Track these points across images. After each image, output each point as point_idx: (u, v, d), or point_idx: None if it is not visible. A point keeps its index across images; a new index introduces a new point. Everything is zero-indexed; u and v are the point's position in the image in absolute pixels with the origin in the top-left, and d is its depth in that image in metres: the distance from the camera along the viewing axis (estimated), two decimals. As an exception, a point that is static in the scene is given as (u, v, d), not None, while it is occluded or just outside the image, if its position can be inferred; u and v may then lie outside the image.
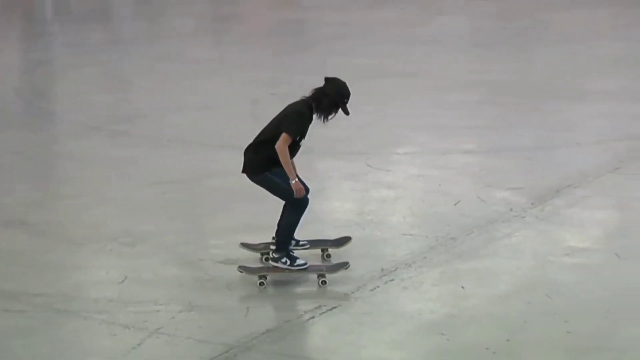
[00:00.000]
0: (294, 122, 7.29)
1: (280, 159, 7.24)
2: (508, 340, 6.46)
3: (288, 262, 7.43)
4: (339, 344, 6.51)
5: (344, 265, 7.41)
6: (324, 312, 6.89)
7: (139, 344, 6.48)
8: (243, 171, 7.51)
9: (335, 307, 6.97)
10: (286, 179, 7.30)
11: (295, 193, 7.28)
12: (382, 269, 7.55)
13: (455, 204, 8.95)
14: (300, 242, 7.71)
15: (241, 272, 7.39)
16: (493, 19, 17.79)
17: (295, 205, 7.41)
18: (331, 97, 7.34)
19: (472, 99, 12.64)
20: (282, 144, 7.23)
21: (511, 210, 8.75)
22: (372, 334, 6.62)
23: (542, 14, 17.92)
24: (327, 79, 7.46)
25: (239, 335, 6.55)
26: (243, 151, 7.52)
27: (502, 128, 11.45)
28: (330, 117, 7.39)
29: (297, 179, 7.28)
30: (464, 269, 7.54)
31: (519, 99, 12.59)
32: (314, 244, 7.83)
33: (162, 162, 10.34)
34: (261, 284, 7.33)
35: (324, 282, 7.30)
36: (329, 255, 7.79)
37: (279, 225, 7.53)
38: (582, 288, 7.24)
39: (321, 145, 11.05)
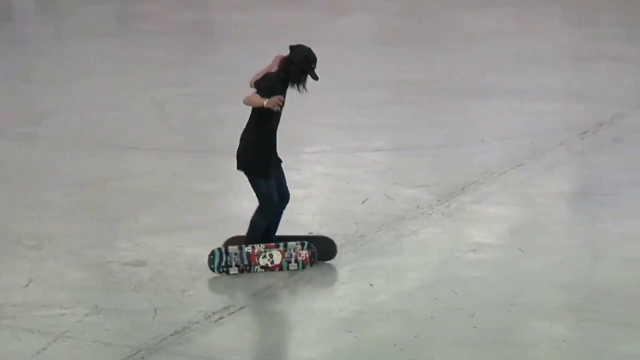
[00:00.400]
0: (264, 82, 7.28)
1: (248, 100, 7.23)
2: (416, 336, 6.53)
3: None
4: (247, 344, 6.51)
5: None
6: (233, 312, 6.88)
7: (44, 349, 6.39)
8: (240, 168, 7.47)
9: (244, 307, 6.96)
10: (273, 188, 7.34)
11: (272, 105, 7.13)
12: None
13: (363, 202, 9.01)
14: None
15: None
16: (399, 17, 17.93)
17: (263, 209, 7.43)
18: (297, 64, 7.33)
19: (380, 98, 12.73)
20: (247, 96, 7.21)
21: (418, 207, 8.85)
22: (281, 333, 6.64)
23: (448, 12, 18.12)
24: (291, 47, 7.43)
25: (146, 338, 6.50)
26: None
27: (409, 126, 11.56)
28: (301, 84, 7.36)
29: (267, 100, 7.12)
30: (373, 266, 7.60)
31: (425, 98, 12.72)
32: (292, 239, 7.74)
33: (68, 163, 10.20)
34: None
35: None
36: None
37: (249, 224, 7.51)
38: (487, 283, 7.36)
39: (229, 145, 11.03)
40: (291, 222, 8.55)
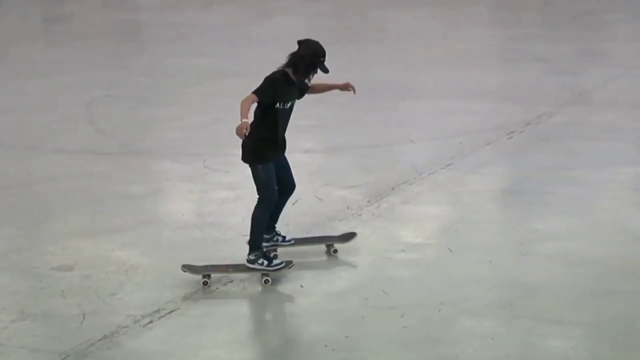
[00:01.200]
0: (261, 85, 7.28)
1: (240, 105, 7.17)
2: (347, 336, 6.54)
3: (265, 263, 7.37)
4: (177, 347, 6.46)
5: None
6: (163, 316, 6.83)
7: (-31, 356, 6.28)
8: (243, 160, 7.48)
9: (174, 310, 6.91)
10: (271, 175, 7.34)
11: (236, 130, 7.13)
12: (221, 270, 7.53)
13: (293, 204, 8.98)
14: (287, 239, 7.73)
15: (185, 271, 7.28)
16: (327, 18, 17.98)
17: (262, 200, 7.38)
18: (307, 59, 7.37)
19: (308, 98, 12.71)
20: (245, 99, 7.20)
21: (348, 208, 8.87)
22: (212, 335, 6.60)
23: (375, 12, 18.22)
24: (300, 42, 7.47)
25: (74, 343, 6.42)
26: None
27: (339, 127, 11.59)
28: (309, 76, 7.41)
29: (245, 121, 7.11)
30: (303, 267, 7.59)
31: (354, 98, 12.67)
32: (318, 240, 7.86)
33: (-7, 167, 10.06)
34: (205, 283, 7.25)
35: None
36: (335, 251, 7.77)
37: (251, 221, 7.45)
38: (417, 282, 7.40)
39: (158, 146, 10.96)
40: (221, 225, 8.53)
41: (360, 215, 8.70)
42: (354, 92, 7.86)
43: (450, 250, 7.93)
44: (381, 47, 15.71)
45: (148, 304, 7.01)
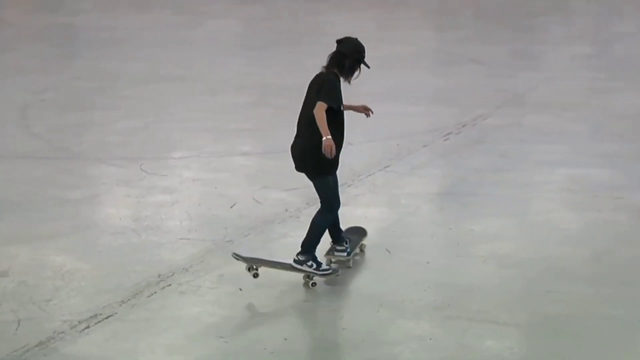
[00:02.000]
0: (328, 91, 7.24)
1: (317, 119, 7.12)
2: (285, 339, 6.53)
3: (314, 266, 7.36)
4: (115, 352, 6.40)
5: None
6: (99, 321, 6.76)
7: None
8: (305, 171, 7.42)
9: (111, 316, 6.85)
10: (337, 183, 7.36)
11: (324, 149, 7.07)
12: (159, 275, 7.49)
13: (231, 207, 8.98)
14: (323, 268, 7.42)
15: (236, 258, 7.35)
16: (262, 21, 17.97)
17: (327, 208, 7.37)
18: (351, 56, 7.35)
19: (246, 101, 12.73)
20: (319, 110, 7.13)
21: (287, 210, 8.87)
22: (150, 340, 6.55)
23: (310, 16, 18.25)
24: (339, 41, 7.45)
25: (9, 350, 6.33)
26: (291, 147, 7.46)
27: (276, 129, 11.57)
28: (354, 77, 7.40)
29: (329, 137, 7.09)
30: (242, 270, 7.56)
31: (291, 101, 12.70)
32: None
33: None
34: (255, 275, 7.32)
35: (313, 284, 7.34)
36: (313, 284, 7.38)
37: (310, 226, 7.41)
38: (356, 284, 7.42)
39: (94, 151, 10.86)
40: (158, 229, 8.48)
41: (298, 217, 8.70)
42: (371, 114, 7.83)
43: (388, 251, 7.96)
44: (317, 50, 15.71)
45: (85, 309, 6.94)
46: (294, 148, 7.52)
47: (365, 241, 7.99)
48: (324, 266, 7.43)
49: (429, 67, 14.76)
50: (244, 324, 6.82)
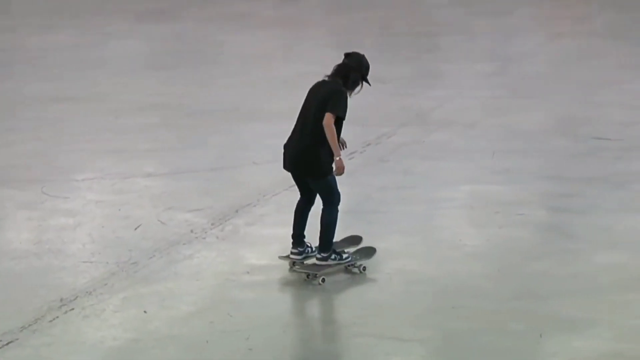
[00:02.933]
0: (338, 101, 7.42)
1: (328, 135, 7.35)
2: (191, 361, 6.48)
3: (337, 258, 7.68)
4: (16, 380, 6.26)
5: (372, 249, 7.91)
6: (0, 347, 6.60)
7: None
8: (303, 173, 7.65)
9: (11, 342, 6.69)
10: (335, 180, 7.56)
11: (337, 171, 7.44)
12: (62, 299, 7.35)
13: (136, 229, 8.88)
14: (345, 257, 7.79)
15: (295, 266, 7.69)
16: (167, 42, 17.86)
17: (331, 205, 7.60)
18: (356, 70, 7.56)
19: (150, 122, 12.62)
20: (330, 122, 7.34)
21: (192, 231, 8.80)
22: (52, 366, 6.42)
23: (217, 35, 18.21)
24: (347, 54, 7.66)
25: None
26: (286, 146, 7.69)
27: (181, 150, 11.50)
28: (356, 91, 7.58)
29: (340, 157, 7.42)
30: (146, 292, 7.49)
31: (196, 121, 12.71)
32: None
33: None
34: (323, 280, 7.57)
35: (364, 268, 7.76)
36: (364, 268, 7.81)
37: (321, 226, 7.65)
38: (262, 304, 7.38)
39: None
40: (60, 252, 8.33)
41: (204, 238, 8.64)
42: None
43: (295, 271, 7.94)
44: (223, 69, 15.69)
45: (-17, 336, 6.78)
46: (290, 147, 7.72)
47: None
48: (344, 256, 7.76)
49: (334, 86, 14.82)
50: (149, 347, 6.73)
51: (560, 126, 11.95)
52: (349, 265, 7.82)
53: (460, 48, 17.29)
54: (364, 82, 7.65)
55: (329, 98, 7.46)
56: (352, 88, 7.61)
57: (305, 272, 7.76)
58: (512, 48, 16.79)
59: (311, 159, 7.54)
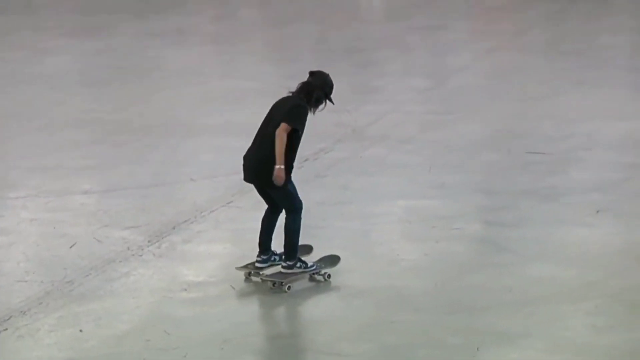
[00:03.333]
0: (297, 114, 7.65)
1: (277, 144, 7.53)
2: (128, 380, 6.43)
3: (303, 266, 7.85)
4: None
5: (336, 257, 8.09)
6: None
7: None
8: (263, 182, 7.78)
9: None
10: (294, 187, 7.75)
11: (275, 179, 7.57)
12: (-5, 319, 7.27)
13: (71, 247, 8.80)
14: (310, 265, 7.97)
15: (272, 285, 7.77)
16: (101, 57, 17.73)
17: (294, 212, 7.79)
18: (320, 89, 7.77)
19: (85, 139, 12.51)
20: (282, 132, 7.54)
21: (129, 249, 8.74)
22: (-14, 388, 6.34)
23: (153, 50, 18.12)
24: (312, 72, 7.88)
25: None
26: (245, 157, 7.90)
27: (117, 167, 11.42)
28: (319, 109, 7.81)
29: (282, 167, 7.56)
30: (82, 311, 7.43)
31: (132, 137, 12.62)
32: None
33: None
34: (289, 287, 7.75)
35: (329, 276, 7.96)
36: (329, 276, 7.99)
37: (285, 234, 7.84)
38: (200, 321, 7.36)
39: None
40: (-6, 271, 8.23)
41: (141, 255, 8.59)
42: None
43: (232, 287, 7.94)
44: (159, 84, 15.62)
45: None
46: (248, 159, 7.94)
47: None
48: (309, 264, 7.92)
49: (270, 101, 14.79)
50: (85, 367, 6.67)
51: (495, 140, 12.09)
52: (314, 274, 7.96)
53: (396, 63, 17.41)
54: (327, 101, 7.88)
55: (289, 111, 7.70)
56: (315, 106, 7.83)
57: (270, 281, 7.81)
58: (447, 63, 16.95)
59: (270, 168, 7.67)
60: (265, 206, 8.12)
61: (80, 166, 11.44)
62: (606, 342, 6.97)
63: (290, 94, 7.86)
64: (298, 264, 7.88)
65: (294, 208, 7.83)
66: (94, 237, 9.04)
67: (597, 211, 9.43)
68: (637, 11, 20.90)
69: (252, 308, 7.56)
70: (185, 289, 7.92)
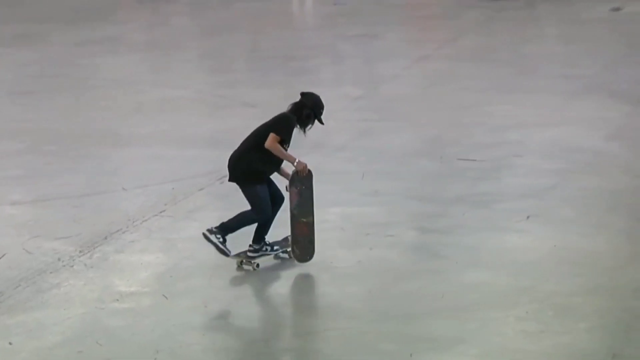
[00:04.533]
0: (283, 125, 8.13)
1: (275, 152, 8.03)
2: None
3: (221, 240, 8.25)
4: None
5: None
6: None
7: None
8: (234, 179, 8.25)
9: None
10: (266, 192, 8.16)
11: (300, 172, 8.17)
12: None
13: (0, 258, 8.65)
14: (275, 247, 8.44)
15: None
16: (33, 66, 17.51)
17: (257, 211, 8.20)
18: (310, 109, 8.24)
19: (15, 148, 12.33)
20: (272, 142, 8.01)
21: (59, 259, 8.62)
22: None
23: (83, 59, 17.92)
24: (303, 94, 8.37)
25: None
26: (230, 159, 8.25)
27: (48, 177, 11.27)
28: (308, 128, 8.28)
29: (298, 160, 8.15)
30: (12, 323, 7.31)
31: (62, 146, 12.46)
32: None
33: None
34: (257, 265, 8.38)
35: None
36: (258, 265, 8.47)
37: (236, 216, 8.29)
38: (132, 332, 7.29)
39: None
40: None
41: (72, 266, 8.48)
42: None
43: (165, 297, 7.88)
44: (91, 94, 15.46)
45: None
46: (230, 160, 8.35)
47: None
48: (227, 246, 8.24)
49: (203, 110, 14.72)
50: (15, 380, 6.55)
51: (427, 148, 12.16)
52: (281, 252, 8.55)
53: (328, 71, 17.45)
54: (316, 121, 8.30)
55: (275, 122, 8.17)
56: (305, 124, 8.29)
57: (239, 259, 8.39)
58: (379, 71, 17.02)
59: (242, 166, 8.17)
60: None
61: (9, 176, 11.27)
62: (537, 347, 7.03)
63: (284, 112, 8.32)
64: (218, 236, 8.21)
65: (257, 210, 8.20)
66: (24, 248, 8.90)
67: (528, 217, 9.52)
68: (561, 21, 21.25)
69: (185, 318, 7.49)
70: (118, 300, 7.83)
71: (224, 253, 8.27)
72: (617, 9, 21.61)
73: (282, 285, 8.08)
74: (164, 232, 9.42)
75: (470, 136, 12.57)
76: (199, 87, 16.19)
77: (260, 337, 7.17)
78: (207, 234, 8.27)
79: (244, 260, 8.43)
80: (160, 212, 9.89)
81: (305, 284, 8.15)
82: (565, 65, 16.55)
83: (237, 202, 10.26)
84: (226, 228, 8.28)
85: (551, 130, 12.64)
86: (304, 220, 8.43)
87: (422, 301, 7.79)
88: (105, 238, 9.16)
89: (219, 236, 8.23)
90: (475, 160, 11.49)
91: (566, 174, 10.95)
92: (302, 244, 8.36)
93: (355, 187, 10.71)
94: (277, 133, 8.09)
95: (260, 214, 8.24)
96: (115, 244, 9.05)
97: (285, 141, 8.15)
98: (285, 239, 8.62)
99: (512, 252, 8.80)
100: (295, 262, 8.41)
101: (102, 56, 18.20)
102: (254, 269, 8.38)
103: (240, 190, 8.35)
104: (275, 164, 8.27)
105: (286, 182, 8.43)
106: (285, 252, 8.58)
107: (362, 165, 11.47)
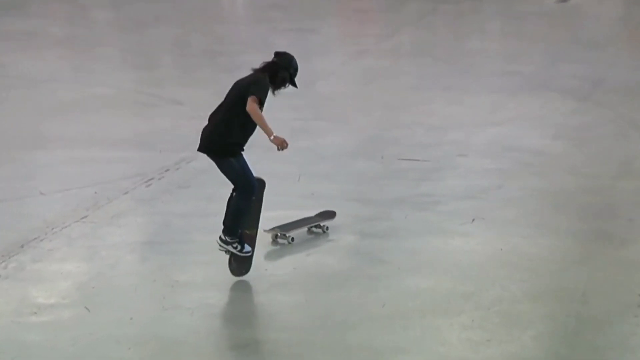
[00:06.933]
0: (262, 86, 7.87)
1: (255, 119, 7.76)
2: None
3: (238, 248, 8.11)
4: None
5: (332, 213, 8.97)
6: None
7: None
8: (204, 150, 8.04)
9: None
10: (244, 164, 7.96)
11: (278, 147, 7.91)
12: None
13: None
14: (245, 250, 8.24)
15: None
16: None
17: (243, 191, 8.01)
18: (285, 69, 8.07)
19: None
20: (253, 106, 7.73)
21: (-24, 268, 8.51)
22: None
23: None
24: (277, 53, 8.19)
25: None
26: (204, 128, 8.07)
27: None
28: (281, 89, 8.09)
29: (275, 135, 7.85)
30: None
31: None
32: (299, 223, 9.10)
33: None
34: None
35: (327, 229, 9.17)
36: (327, 228, 9.17)
37: (227, 212, 8.13)
38: (51, 346, 7.22)
39: None
40: None
41: (-8, 273, 8.38)
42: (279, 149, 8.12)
43: (87, 309, 7.81)
44: (5, 93, 15.26)
45: None
46: (204, 131, 8.14)
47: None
48: (246, 248, 8.18)
49: (127, 109, 14.61)
50: None
51: (366, 148, 12.20)
52: (313, 227, 9.13)
53: (261, 68, 17.41)
54: (290, 83, 8.16)
55: (251, 84, 7.91)
56: (278, 86, 8.11)
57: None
58: (315, 67, 17.03)
59: (215, 138, 7.98)
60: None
61: None
62: (482, 356, 7.08)
63: (252, 71, 8.10)
64: (235, 244, 8.15)
65: (242, 186, 8.05)
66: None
67: (473, 220, 9.59)
68: (505, 14, 21.45)
69: (108, 331, 7.42)
70: (35, 312, 7.75)
71: (247, 256, 8.24)
72: (564, 1, 21.91)
73: (214, 296, 8.04)
74: (85, 239, 9.33)
75: (410, 136, 12.64)
76: (123, 85, 16.07)
77: (189, 350, 7.13)
78: (224, 245, 8.20)
79: (279, 234, 8.89)
80: (82, 218, 9.79)
81: (237, 293, 8.12)
82: (508, 62, 16.74)
83: (164, 208, 10.22)
84: (232, 230, 8.18)
85: (494, 129, 12.77)
86: (248, 232, 8.36)
87: (361, 309, 7.80)
88: (22, 246, 9.05)
89: (235, 245, 8.18)
90: (417, 160, 11.56)
91: (508, 174, 11.06)
92: (241, 257, 8.30)
93: (290, 189, 10.71)
94: (256, 94, 7.80)
95: (247, 186, 8.05)
96: (33, 252, 8.95)
97: (261, 104, 7.89)
98: (324, 213, 9.27)
99: (456, 256, 8.86)
100: (229, 272, 8.37)
101: (16, 52, 17.99)
102: (289, 243, 8.94)
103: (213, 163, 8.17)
104: (250, 131, 8.03)
105: None
106: (319, 226, 9.22)
107: (298, 166, 11.47)
